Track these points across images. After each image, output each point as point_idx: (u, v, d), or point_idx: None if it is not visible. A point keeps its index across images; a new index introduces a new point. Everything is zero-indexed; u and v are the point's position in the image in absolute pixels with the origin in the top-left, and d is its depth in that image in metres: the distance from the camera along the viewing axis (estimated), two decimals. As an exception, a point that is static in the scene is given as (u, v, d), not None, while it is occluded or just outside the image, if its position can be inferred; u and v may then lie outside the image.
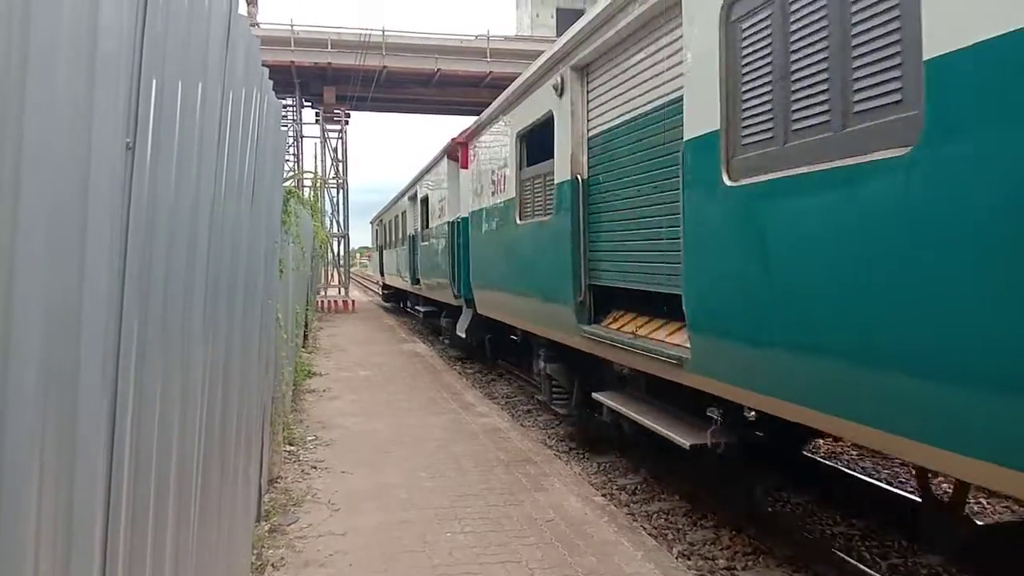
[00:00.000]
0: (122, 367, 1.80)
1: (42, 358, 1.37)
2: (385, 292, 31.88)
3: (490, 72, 28.71)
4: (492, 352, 13.00)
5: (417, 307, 20.27)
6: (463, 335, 12.88)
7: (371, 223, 36.67)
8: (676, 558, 4.93)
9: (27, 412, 1.32)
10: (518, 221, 8.53)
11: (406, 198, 20.66)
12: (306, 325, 15.05)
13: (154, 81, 1.97)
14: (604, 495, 6.19)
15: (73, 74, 1.47)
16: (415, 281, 18.75)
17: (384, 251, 29.28)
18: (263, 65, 4.12)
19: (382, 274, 30.28)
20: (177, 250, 2.27)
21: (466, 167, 12.25)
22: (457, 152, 13.18)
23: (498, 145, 9.65)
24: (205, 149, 2.56)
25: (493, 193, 9.87)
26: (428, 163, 16.33)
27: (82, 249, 1.54)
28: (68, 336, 1.50)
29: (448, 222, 13.51)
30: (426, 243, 16.82)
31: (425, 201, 17.12)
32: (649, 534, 5.30)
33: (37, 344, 1.35)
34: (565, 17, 30.82)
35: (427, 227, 16.75)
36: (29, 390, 1.32)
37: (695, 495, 6.30)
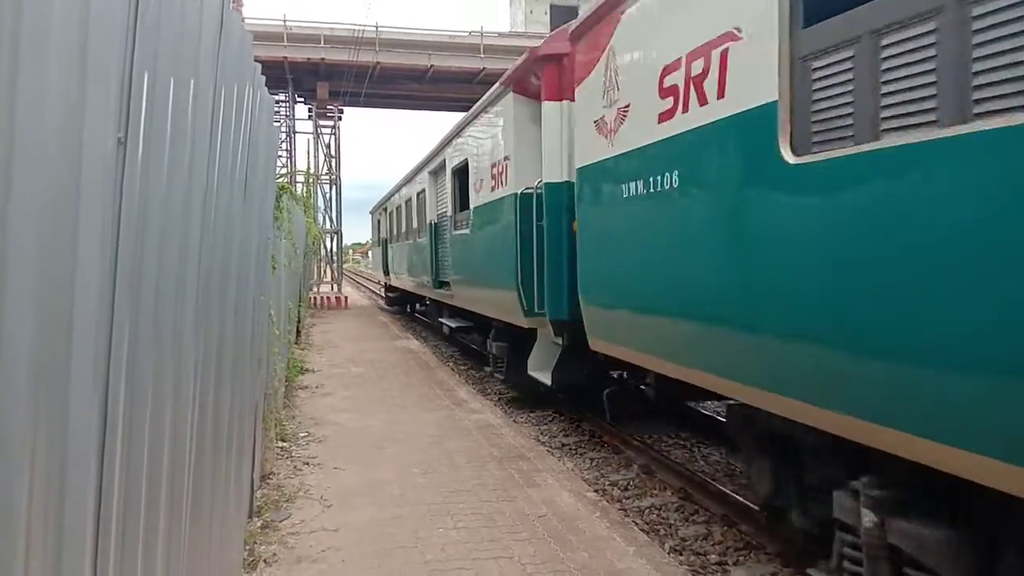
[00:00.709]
0: (114, 363, 1.80)
1: (33, 356, 1.36)
2: (390, 295, 26.34)
3: (483, 68, 28.68)
4: (612, 412, 7.87)
5: (443, 320, 14.35)
6: (546, 379, 8.05)
7: (371, 213, 30.47)
8: (668, 553, 4.95)
9: (18, 410, 1.31)
10: (787, 158, 3.68)
11: (425, 172, 15.31)
12: (299, 321, 15.03)
13: (146, 75, 1.96)
14: (596, 490, 6.20)
15: (64, 68, 1.46)
16: (439, 284, 13.92)
17: (389, 246, 23.70)
18: (255, 60, 4.11)
19: (387, 273, 24.68)
20: (169, 246, 2.26)
21: (564, 96, 7.35)
22: (536, 76, 7.96)
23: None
24: (197, 144, 2.55)
25: (672, 112, 4.82)
26: (469, 113, 11.22)
27: (73, 245, 1.53)
28: (59, 333, 1.49)
29: (513, 195, 8.55)
30: (462, 232, 11.76)
31: (462, 171, 11.90)
32: (641, 529, 5.32)
33: (28, 341, 1.34)
34: (558, 14, 30.84)
35: (463, 208, 11.76)
36: (20, 388, 1.32)
37: (687, 490, 6.31)
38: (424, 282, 15.71)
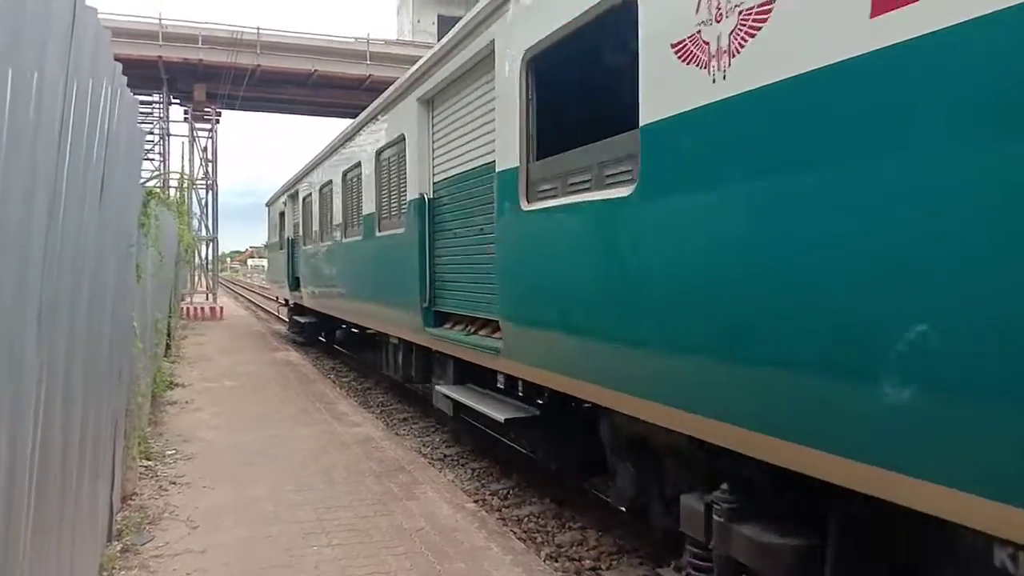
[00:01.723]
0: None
1: None
2: (297, 319, 18.40)
3: (370, 75, 28.42)
4: None
5: (445, 390, 7.24)
6: None
7: (268, 205, 23.30)
8: (544, 560, 5.01)
9: None
10: None
11: (410, 99, 8.04)
12: (169, 333, 14.31)
13: (-23, 68, 1.82)
14: (476, 501, 6.21)
15: None
16: (435, 320, 7.55)
17: (300, 249, 16.89)
18: (127, 59, 3.91)
19: (295, 288, 17.41)
20: (6, 252, 2.10)
21: None
22: None
23: None
24: (41, 144, 2.39)
25: None
26: None
27: None
28: None
29: None
30: (607, 196, 4.29)
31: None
32: (519, 538, 5.36)
33: None
34: (446, 24, 30.95)
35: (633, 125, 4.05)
36: None
37: (565, 498, 6.42)
38: (386, 309, 9.19)
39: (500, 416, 5.92)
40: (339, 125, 13.38)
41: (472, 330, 6.66)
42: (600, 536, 5.62)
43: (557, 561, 5.22)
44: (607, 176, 4.30)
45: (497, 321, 5.89)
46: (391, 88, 8.88)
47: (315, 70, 28.25)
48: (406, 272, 7.93)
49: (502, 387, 6.23)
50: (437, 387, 7.61)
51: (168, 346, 14.33)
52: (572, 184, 4.69)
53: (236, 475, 6.54)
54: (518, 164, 5.31)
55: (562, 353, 4.89)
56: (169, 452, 7.31)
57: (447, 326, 7.29)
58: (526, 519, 6.10)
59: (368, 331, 12.02)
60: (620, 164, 4.18)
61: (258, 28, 28.07)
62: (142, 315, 7.20)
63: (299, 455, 7.21)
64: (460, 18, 6.53)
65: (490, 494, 6.74)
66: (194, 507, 5.67)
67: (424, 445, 8.55)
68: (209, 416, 9.14)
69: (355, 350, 14.61)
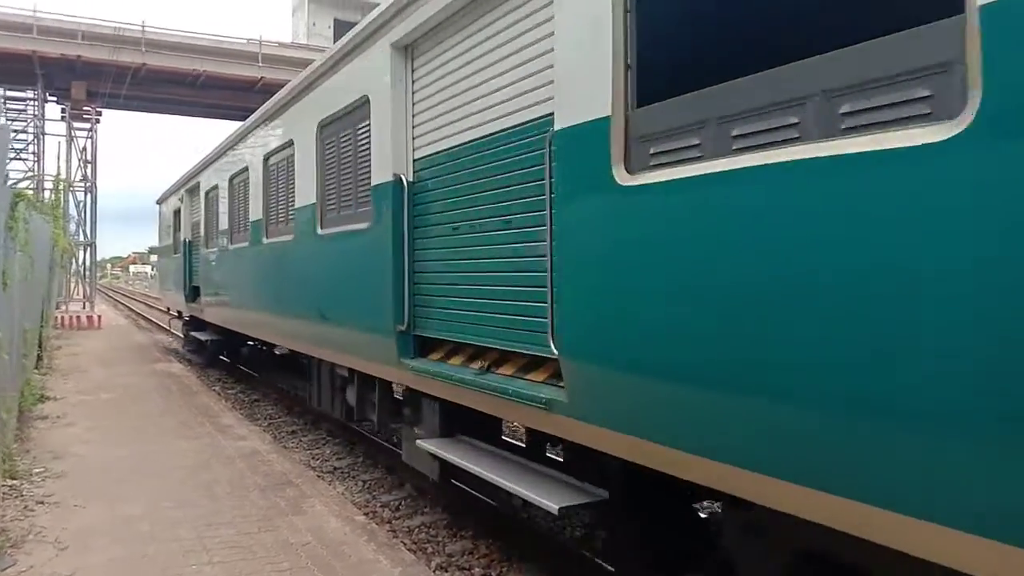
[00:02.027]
0: None
1: None
2: (194, 335, 15.90)
3: (261, 78, 27.78)
4: None
5: (447, 448, 5.26)
6: None
7: (159, 203, 20.29)
8: (434, 571, 5.01)
9: None
10: None
11: None
12: (40, 344, 13.47)
13: None
14: (366, 513, 6.14)
15: None
16: None
17: (202, 251, 14.10)
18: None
19: (193, 298, 14.98)
20: None
21: None
22: None
23: None
24: None
25: None
26: None
27: None
28: None
29: None
30: None
31: None
32: (409, 549, 5.33)
33: None
34: (342, 28, 30.58)
35: None
36: None
37: (456, 507, 6.43)
38: (336, 331, 7.02)
39: (552, 504, 3.94)
40: (231, 128, 12.62)
41: (484, 366, 4.73)
42: (491, 544, 5.66)
43: (447, 571, 5.22)
44: (846, 114, 2.46)
45: (539, 358, 4.14)
46: (346, 37, 6.58)
47: (204, 70, 27.38)
48: (369, 282, 5.93)
49: (519, 444, 4.60)
50: (419, 442, 5.53)
51: (40, 357, 13.50)
52: (743, 136, 2.83)
53: (110, 493, 6.22)
54: (608, 114, 3.38)
55: (712, 421, 2.93)
56: (37, 470, 6.87)
57: (432, 356, 5.44)
58: (417, 529, 6.08)
59: (282, 348, 10.28)
60: (891, 88, 2.32)
61: (143, 25, 26.96)
62: (8, 324, 6.77)
63: (179, 470, 6.92)
64: (356, 23, 6.31)
65: (381, 506, 6.68)
66: (63, 528, 5.36)
67: (313, 458, 8.38)
68: (82, 431, 8.65)
69: (270, 374, 12.69)
